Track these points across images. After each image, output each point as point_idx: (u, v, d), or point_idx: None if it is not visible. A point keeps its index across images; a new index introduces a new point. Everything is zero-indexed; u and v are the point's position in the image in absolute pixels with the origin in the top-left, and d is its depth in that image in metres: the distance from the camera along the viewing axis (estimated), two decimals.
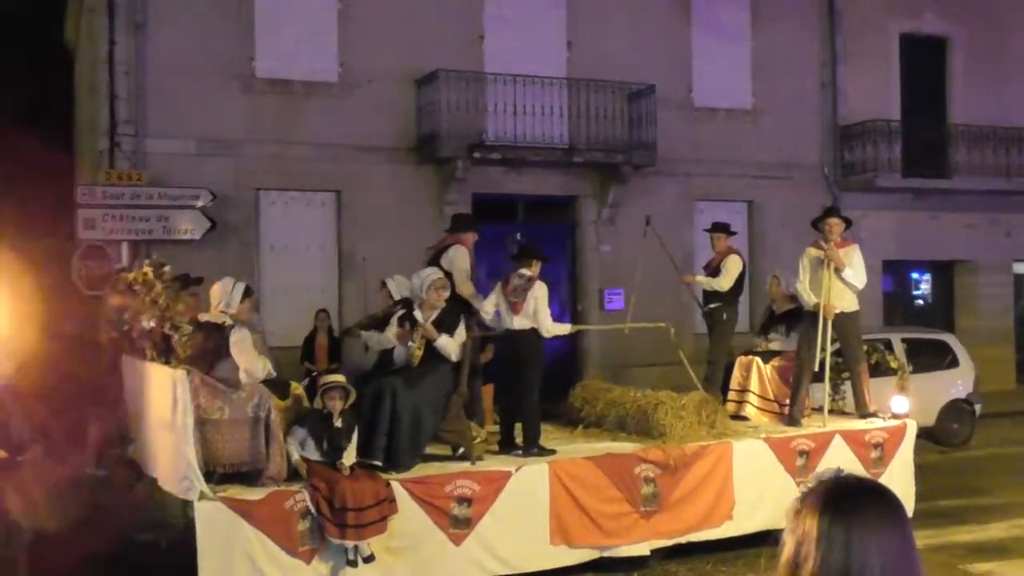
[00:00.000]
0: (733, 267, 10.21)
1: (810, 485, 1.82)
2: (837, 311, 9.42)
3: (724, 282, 10.18)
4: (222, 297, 7.51)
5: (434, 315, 7.96)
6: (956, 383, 14.36)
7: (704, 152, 17.01)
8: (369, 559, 6.87)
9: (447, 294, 8.10)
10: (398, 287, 9.00)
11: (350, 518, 6.74)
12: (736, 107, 17.62)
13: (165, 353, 7.48)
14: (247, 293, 7.62)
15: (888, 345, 12.19)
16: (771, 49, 17.74)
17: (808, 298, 9.54)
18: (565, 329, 9.01)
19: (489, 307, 8.55)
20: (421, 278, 8.08)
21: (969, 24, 19.50)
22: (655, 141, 16.18)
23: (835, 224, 9.48)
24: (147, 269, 7.84)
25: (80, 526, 9.54)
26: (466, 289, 8.91)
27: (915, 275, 20.52)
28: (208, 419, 6.84)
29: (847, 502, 1.75)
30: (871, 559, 1.69)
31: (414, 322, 7.92)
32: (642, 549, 8.18)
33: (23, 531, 6.70)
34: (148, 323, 7.70)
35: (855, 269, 9.49)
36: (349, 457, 7.12)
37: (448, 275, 8.63)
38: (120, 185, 13.69)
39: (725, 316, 10.23)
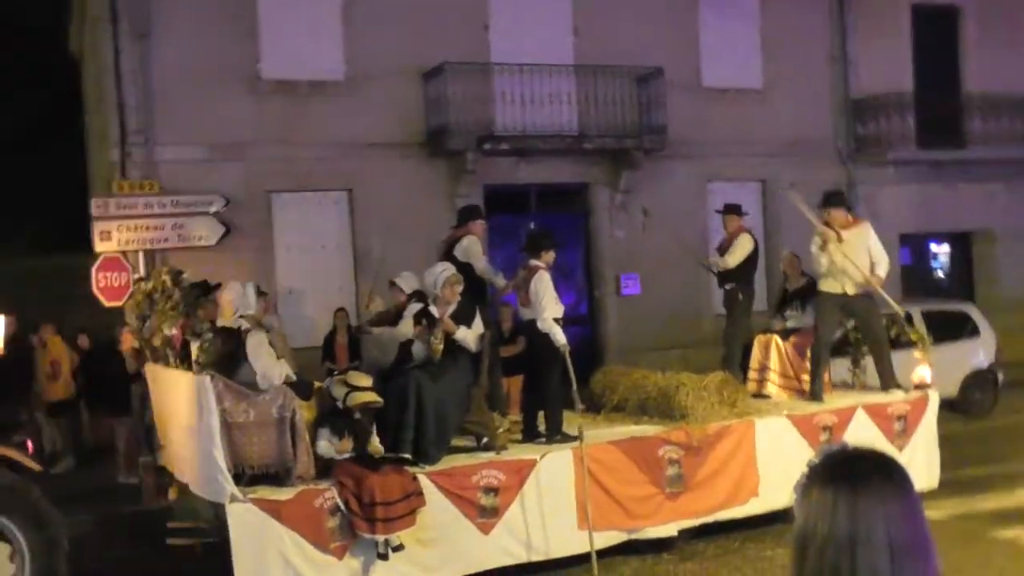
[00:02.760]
0: (742, 246, 10.18)
1: (817, 459, 1.84)
2: (851, 293, 9.45)
3: (731, 260, 10.14)
4: (236, 302, 7.56)
5: (449, 310, 8.01)
6: (977, 353, 14.31)
7: (715, 133, 16.93)
8: (398, 548, 6.91)
9: (461, 288, 8.14)
10: (407, 282, 9.10)
11: (379, 512, 6.80)
12: (746, 86, 17.52)
13: (187, 359, 7.56)
14: (258, 293, 7.72)
15: (908, 318, 12.15)
16: (780, 26, 17.63)
17: (832, 278, 9.46)
18: (558, 336, 8.21)
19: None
20: (435, 275, 8.11)
21: None
22: (665, 125, 16.14)
23: (834, 213, 9.49)
24: (165, 277, 7.92)
25: (117, 534, 9.69)
26: (488, 273, 9.08)
27: (933, 247, 20.41)
28: (234, 422, 6.91)
29: (853, 473, 1.76)
30: (877, 528, 1.70)
31: (432, 319, 7.96)
32: (669, 530, 8.22)
33: (63, 540, 6.80)
34: (169, 330, 7.78)
35: (875, 249, 9.48)
36: (375, 446, 7.20)
37: (463, 266, 8.70)
38: (134, 195, 13.78)
39: (741, 296, 10.22)
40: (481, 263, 9.06)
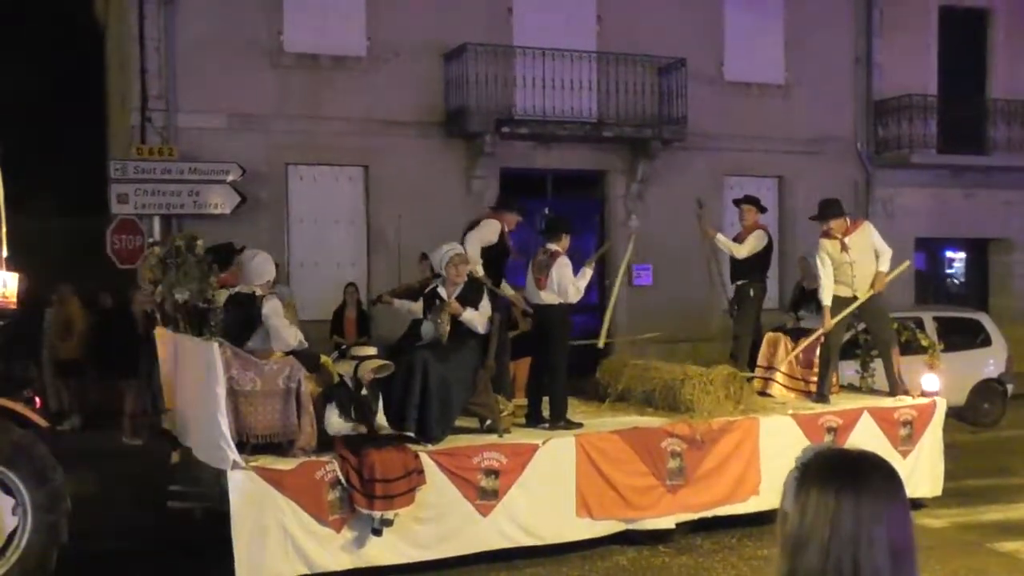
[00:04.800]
0: (755, 239, 10.14)
1: (803, 460, 1.82)
2: (861, 297, 9.43)
3: (743, 250, 10.08)
4: (259, 268, 7.57)
5: (457, 291, 8.01)
6: (988, 362, 14.21)
7: (735, 127, 16.85)
8: (388, 523, 6.93)
9: (467, 269, 8.12)
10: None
11: (378, 489, 6.82)
12: (769, 81, 17.42)
13: (198, 325, 7.58)
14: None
15: (919, 323, 12.10)
16: (805, 22, 17.51)
17: (826, 295, 9.43)
18: (586, 277, 8.51)
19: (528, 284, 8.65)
20: (440, 254, 8.12)
21: None
22: (685, 116, 16.06)
23: (834, 224, 9.45)
24: (179, 243, 7.95)
25: (118, 495, 9.76)
26: (471, 252, 8.56)
27: (949, 253, 20.28)
28: (240, 390, 6.93)
29: (855, 474, 1.76)
30: (879, 530, 1.71)
31: (439, 299, 7.97)
32: (667, 522, 8.22)
33: (66, 497, 6.85)
34: (181, 296, 7.80)
35: (879, 245, 9.48)
36: (380, 423, 7.21)
37: (485, 248, 8.68)
38: (152, 160, 13.83)
39: (752, 292, 10.17)
40: (473, 249, 8.62)
